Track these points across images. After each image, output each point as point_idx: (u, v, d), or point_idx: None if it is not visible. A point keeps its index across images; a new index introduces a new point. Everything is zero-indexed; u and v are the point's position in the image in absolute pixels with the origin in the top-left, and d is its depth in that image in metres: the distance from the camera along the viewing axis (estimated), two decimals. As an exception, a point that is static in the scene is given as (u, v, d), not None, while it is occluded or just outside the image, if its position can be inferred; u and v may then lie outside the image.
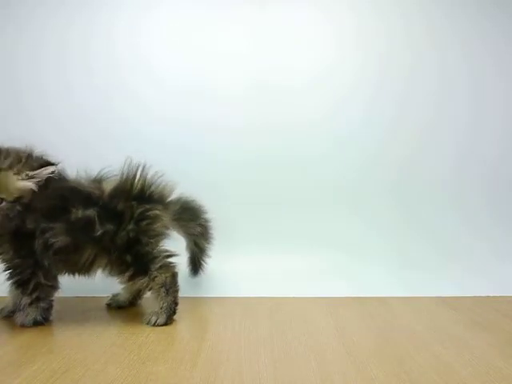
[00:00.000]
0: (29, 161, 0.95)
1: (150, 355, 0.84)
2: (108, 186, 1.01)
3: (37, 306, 0.99)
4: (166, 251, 1.06)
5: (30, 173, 0.93)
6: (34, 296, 0.98)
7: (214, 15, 1.36)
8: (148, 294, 1.07)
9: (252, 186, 1.37)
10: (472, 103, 1.40)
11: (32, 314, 0.98)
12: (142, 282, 1.01)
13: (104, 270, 1.04)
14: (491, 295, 1.24)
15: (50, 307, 1.01)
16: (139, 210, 1.00)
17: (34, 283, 0.98)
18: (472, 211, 1.41)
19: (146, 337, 0.93)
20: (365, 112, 1.39)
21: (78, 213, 0.97)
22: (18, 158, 0.94)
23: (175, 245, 1.10)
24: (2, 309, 1.06)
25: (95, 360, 0.82)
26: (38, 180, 0.94)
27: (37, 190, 0.94)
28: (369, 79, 1.39)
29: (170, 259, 1.05)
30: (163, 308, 1.01)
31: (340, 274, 1.30)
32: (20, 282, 0.98)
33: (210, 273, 1.24)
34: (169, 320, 1.01)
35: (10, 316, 1.03)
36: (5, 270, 0.99)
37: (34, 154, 0.97)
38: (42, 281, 0.98)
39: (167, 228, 1.07)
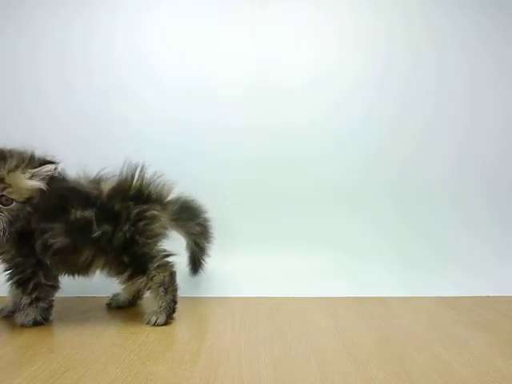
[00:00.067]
0: (31, 161, 0.95)
1: (150, 355, 0.84)
2: (106, 187, 1.01)
3: (37, 306, 0.99)
4: (164, 251, 1.06)
5: (31, 171, 0.93)
6: (33, 296, 0.98)
7: (214, 15, 1.36)
8: (148, 294, 1.07)
9: (252, 186, 1.37)
10: (472, 103, 1.40)
11: (32, 313, 0.98)
12: (140, 281, 1.01)
13: (102, 270, 1.04)
14: (491, 295, 1.24)
15: (49, 307, 1.01)
16: (136, 211, 1.00)
17: (34, 283, 0.98)
18: (472, 211, 1.41)
19: (146, 337, 0.93)
20: (365, 112, 1.39)
21: (77, 213, 0.97)
22: (21, 159, 0.94)
23: (175, 244, 1.10)
24: (2, 309, 1.06)
25: (95, 360, 0.82)
26: (40, 178, 0.94)
27: (46, 190, 0.94)
28: (369, 79, 1.39)
29: (168, 258, 1.05)
30: (162, 307, 1.01)
31: (340, 274, 1.30)
32: (20, 282, 0.98)
33: (210, 273, 1.24)
34: (169, 319, 1.01)
35: (10, 316, 1.03)
36: (5, 270, 0.99)
37: (36, 155, 0.97)
38: (42, 281, 0.98)
39: (165, 228, 1.07)
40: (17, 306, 0.99)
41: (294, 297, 1.21)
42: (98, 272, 1.05)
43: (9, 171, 0.91)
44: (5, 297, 1.06)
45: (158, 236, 1.04)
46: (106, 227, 0.98)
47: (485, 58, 1.40)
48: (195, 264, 1.21)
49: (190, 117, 1.36)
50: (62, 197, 0.97)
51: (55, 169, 0.96)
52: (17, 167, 0.93)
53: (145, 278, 1.01)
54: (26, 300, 0.98)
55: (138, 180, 1.04)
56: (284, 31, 1.37)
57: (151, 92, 1.36)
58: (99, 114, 1.35)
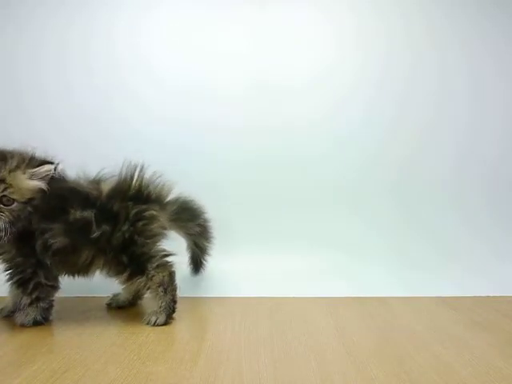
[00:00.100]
0: (32, 161, 0.95)
1: (150, 355, 0.84)
2: (106, 187, 1.01)
3: (37, 306, 0.98)
4: (164, 251, 1.06)
5: (30, 171, 0.93)
6: (33, 296, 0.98)
7: (214, 15, 1.36)
8: (148, 294, 1.06)
9: (252, 186, 1.37)
10: (472, 103, 1.40)
11: (32, 313, 0.98)
12: (139, 281, 1.01)
13: (102, 270, 1.04)
14: (491, 295, 1.24)
15: (49, 307, 1.01)
16: (134, 211, 1.00)
17: (35, 283, 0.98)
18: (472, 211, 1.41)
19: (146, 337, 0.93)
20: (365, 112, 1.39)
21: (76, 214, 0.97)
22: (21, 159, 0.94)
23: (174, 244, 1.10)
24: (2, 309, 1.06)
25: (95, 360, 0.82)
26: (39, 178, 0.94)
27: (47, 190, 0.95)
28: (369, 79, 1.39)
29: (167, 258, 1.05)
30: (162, 307, 1.01)
31: (340, 274, 1.30)
32: (21, 282, 0.98)
33: (210, 273, 1.24)
34: (169, 319, 1.01)
35: (10, 316, 1.03)
36: (6, 270, 0.99)
37: (36, 155, 0.97)
38: (43, 281, 0.98)
39: (164, 228, 1.07)
40: (17, 306, 0.99)
41: (294, 297, 1.21)
42: (97, 272, 1.05)
43: (10, 171, 0.92)
44: (5, 297, 1.06)
45: (156, 236, 1.04)
46: (106, 227, 0.98)
47: (485, 58, 1.40)
48: (196, 264, 1.21)
49: (190, 117, 1.36)
50: (61, 197, 0.97)
51: (54, 169, 0.96)
52: (17, 167, 0.93)
53: (144, 278, 1.01)
54: (26, 300, 0.98)
55: (137, 180, 1.04)
56: (284, 31, 1.37)
57: (151, 92, 1.36)
58: (99, 114, 1.35)
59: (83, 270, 1.02)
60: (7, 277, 0.99)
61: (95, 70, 1.35)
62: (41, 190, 0.95)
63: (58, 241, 0.96)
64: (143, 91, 1.36)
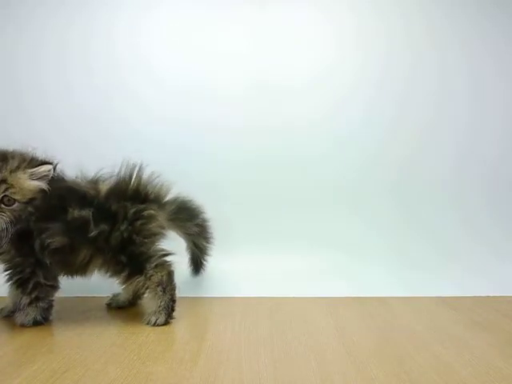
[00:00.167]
0: (32, 161, 0.95)
1: (150, 355, 0.84)
2: (104, 187, 1.02)
3: (36, 306, 0.98)
4: (162, 250, 1.06)
5: (29, 171, 0.93)
6: (33, 296, 0.98)
7: (214, 15, 1.36)
8: (147, 294, 1.06)
9: (252, 186, 1.37)
10: (472, 103, 1.40)
11: (32, 313, 0.98)
12: (138, 281, 1.01)
13: (100, 270, 1.04)
14: (491, 295, 1.24)
15: (49, 307, 1.01)
16: (133, 210, 1.00)
17: (34, 283, 0.98)
18: (472, 211, 1.41)
19: (146, 337, 0.93)
20: (365, 112, 1.39)
21: (74, 213, 0.97)
22: (22, 159, 0.94)
23: (173, 244, 1.10)
24: (2, 309, 1.06)
25: (95, 360, 0.82)
26: (37, 178, 0.94)
27: (48, 191, 0.95)
28: (369, 79, 1.39)
29: (166, 258, 1.05)
30: (161, 307, 1.01)
31: (340, 274, 1.30)
32: (20, 282, 0.98)
33: (210, 273, 1.24)
34: (168, 319, 1.01)
35: (10, 316, 1.03)
36: (5, 270, 0.99)
37: (36, 155, 0.98)
38: (42, 280, 0.98)
39: (163, 228, 1.07)
40: (17, 306, 0.99)
41: (294, 297, 1.21)
42: (95, 272, 1.05)
43: (11, 172, 0.92)
44: (5, 297, 1.06)
45: (155, 235, 1.04)
46: (104, 227, 0.98)
47: (485, 58, 1.40)
48: (197, 265, 1.21)
49: (190, 117, 1.36)
50: (59, 196, 0.97)
51: (54, 169, 0.97)
52: (18, 168, 0.93)
53: (143, 278, 1.01)
54: (25, 300, 0.98)
55: (135, 180, 1.04)
56: (284, 31, 1.37)
57: (151, 92, 1.36)
58: (99, 114, 1.35)
59: (81, 269, 1.02)
60: (7, 277, 0.99)
61: (95, 70, 1.35)
62: (41, 190, 0.95)
63: (56, 240, 0.96)
64: (143, 91, 1.36)
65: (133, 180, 1.04)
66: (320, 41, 1.38)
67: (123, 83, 1.35)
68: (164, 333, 0.96)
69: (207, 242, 1.20)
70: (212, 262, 1.23)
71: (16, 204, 0.92)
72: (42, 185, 0.95)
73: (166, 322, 1.00)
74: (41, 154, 0.98)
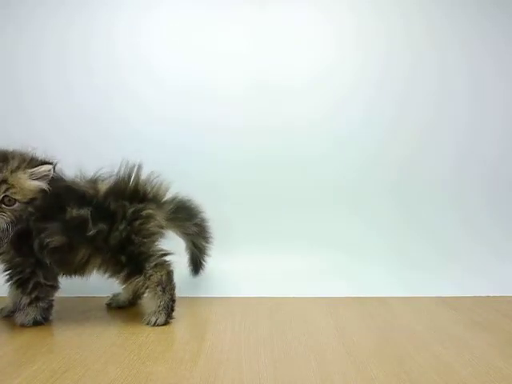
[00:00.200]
0: (32, 162, 0.95)
1: (150, 355, 0.84)
2: (103, 186, 1.02)
3: (36, 306, 0.99)
4: (161, 250, 1.06)
5: (29, 171, 0.93)
6: (33, 296, 0.98)
7: (214, 15, 1.36)
8: (146, 294, 1.06)
9: (252, 186, 1.37)
10: (472, 103, 1.40)
11: (32, 313, 0.98)
12: (137, 281, 1.01)
13: (99, 270, 1.04)
14: (491, 295, 1.24)
15: (49, 307, 1.01)
16: (131, 210, 1.01)
17: (34, 283, 0.98)
18: (472, 211, 1.41)
19: (146, 337, 0.93)
20: (365, 112, 1.39)
21: (73, 212, 0.97)
22: (22, 159, 0.94)
23: (172, 243, 1.10)
24: (2, 309, 1.06)
25: (95, 360, 0.82)
26: (37, 178, 0.94)
27: (48, 191, 0.95)
28: (369, 79, 1.39)
29: (165, 257, 1.05)
30: (161, 307, 1.01)
31: (340, 274, 1.30)
32: (20, 282, 0.98)
33: (210, 273, 1.24)
34: (168, 319, 1.01)
35: (10, 316, 1.03)
36: (5, 271, 0.99)
37: (36, 155, 0.98)
38: (42, 280, 0.98)
39: (161, 227, 1.06)
40: (17, 306, 0.99)
41: (294, 297, 1.21)
42: (94, 272, 1.04)
43: (11, 172, 0.92)
44: (5, 297, 1.06)
45: (154, 235, 1.04)
46: (102, 226, 0.98)
47: (485, 58, 1.40)
48: (196, 265, 1.21)
49: (190, 117, 1.36)
50: (58, 196, 0.97)
51: (53, 169, 0.96)
52: (18, 168, 0.93)
53: (142, 278, 1.01)
54: (25, 300, 0.98)
55: (134, 179, 1.04)
56: (284, 31, 1.37)
57: (151, 92, 1.36)
58: (99, 114, 1.35)
59: (80, 269, 1.02)
60: (6, 277, 0.99)
61: (95, 70, 1.35)
62: (42, 190, 0.95)
63: (55, 239, 0.96)
64: (143, 91, 1.36)
65: (131, 179, 1.04)
66: (320, 41, 1.38)
67: (123, 83, 1.35)
68: (164, 333, 0.96)
69: (206, 242, 1.20)
70: (212, 262, 1.22)
71: (16, 204, 0.92)
72: (43, 185, 0.95)
73: (166, 322, 1.00)
74: (41, 154, 0.98)
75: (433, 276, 1.30)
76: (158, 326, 0.99)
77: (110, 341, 0.91)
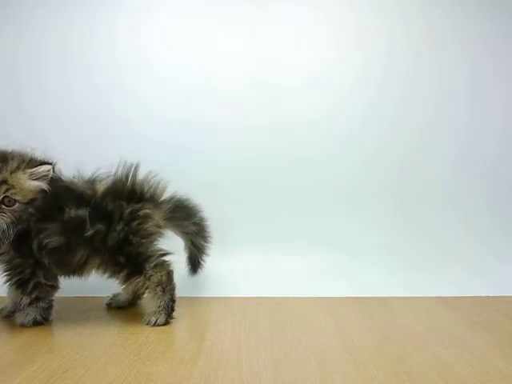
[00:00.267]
0: (32, 162, 0.95)
1: (150, 355, 0.84)
2: (101, 186, 1.02)
3: (36, 306, 0.99)
4: (161, 250, 1.06)
5: (28, 171, 0.93)
6: (33, 296, 0.98)
7: (214, 15, 1.36)
8: (146, 294, 1.06)
9: (252, 186, 1.37)
10: (472, 103, 1.40)
11: (32, 313, 0.98)
12: (137, 281, 1.01)
13: (98, 270, 1.04)
14: (491, 295, 1.24)
15: (49, 307, 1.01)
16: (129, 210, 1.00)
17: (34, 283, 0.98)
18: (472, 211, 1.41)
19: (146, 337, 0.93)
20: (365, 112, 1.39)
21: (71, 212, 0.97)
22: (22, 160, 0.94)
23: (171, 243, 1.10)
24: (2, 309, 1.06)
25: (95, 360, 0.82)
26: (37, 178, 0.94)
27: (48, 191, 0.95)
28: (369, 79, 1.39)
29: (165, 257, 1.05)
30: (161, 307, 1.01)
31: (340, 274, 1.30)
32: (20, 283, 0.98)
33: (210, 273, 1.24)
34: (168, 319, 1.01)
35: (9, 316, 1.03)
36: (5, 271, 0.99)
37: (35, 156, 0.97)
38: (42, 280, 0.98)
39: (159, 227, 1.06)
40: (17, 306, 0.99)
41: (294, 297, 1.21)
42: (93, 272, 1.04)
43: (11, 172, 0.92)
44: (5, 297, 1.06)
45: (152, 235, 1.04)
46: (100, 226, 0.98)
47: (485, 58, 1.40)
48: (194, 264, 1.21)
49: (190, 117, 1.36)
50: (56, 196, 0.97)
51: (53, 169, 0.96)
52: (18, 168, 0.93)
53: (142, 278, 1.01)
54: (25, 300, 0.98)
55: (131, 179, 1.04)
56: (284, 31, 1.37)
57: (151, 92, 1.36)
58: (99, 114, 1.35)
59: (78, 269, 1.02)
60: (6, 278, 0.99)
61: (95, 70, 1.35)
62: (42, 191, 0.95)
63: (54, 240, 0.96)
64: (143, 91, 1.36)
65: (129, 180, 1.04)
66: (320, 41, 1.38)
67: (123, 83, 1.35)
68: (164, 333, 0.96)
69: (205, 241, 1.20)
70: (212, 262, 1.22)
71: (16, 205, 0.92)
72: (42, 185, 0.95)
73: (166, 322, 1.00)
74: (40, 154, 0.98)
75: (433, 276, 1.30)
76: (158, 326, 0.99)
77: (110, 341, 0.91)
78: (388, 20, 1.38)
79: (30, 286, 0.97)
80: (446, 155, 1.41)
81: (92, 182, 1.02)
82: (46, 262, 0.97)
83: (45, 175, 0.95)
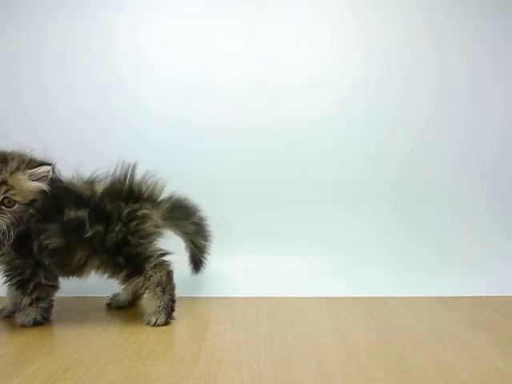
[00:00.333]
0: (31, 162, 0.95)
1: (150, 355, 0.84)
2: (100, 187, 1.02)
3: (37, 306, 0.98)
4: (160, 250, 1.05)
5: (28, 171, 0.93)
6: (34, 296, 0.98)
7: (214, 15, 1.36)
8: (146, 294, 1.06)
9: (252, 186, 1.37)
10: (472, 103, 1.40)
11: (32, 313, 0.98)
12: (137, 282, 1.01)
13: (97, 271, 1.04)
14: (491, 295, 1.24)
15: (50, 307, 1.01)
16: (127, 210, 1.00)
17: (35, 283, 0.98)
18: (472, 211, 1.41)
19: (146, 337, 0.93)
20: (365, 112, 1.39)
21: (71, 213, 0.97)
22: (21, 160, 0.94)
23: (171, 243, 1.10)
24: (2, 309, 1.06)
25: (95, 360, 0.82)
26: (36, 179, 0.94)
27: (47, 191, 0.94)
28: (369, 79, 1.39)
29: (164, 258, 1.05)
30: (161, 307, 1.01)
31: (340, 274, 1.30)
32: (20, 283, 0.98)
33: (210, 273, 1.24)
34: (168, 319, 1.01)
35: (10, 316, 1.03)
36: (5, 272, 0.99)
37: (35, 156, 0.97)
38: (43, 281, 0.98)
39: (158, 227, 1.06)
40: (17, 307, 0.99)
41: (294, 297, 1.21)
42: (92, 273, 1.04)
43: (11, 173, 0.91)
44: (5, 297, 1.06)
45: (151, 235, 1.04)
46: (99, 227, 0.98)
47: (485, 58, 1.40)
48: (196, 263, 1.21)
49: (190, 117, 1.36)
50: (56, 197, 0.97)
51: (52, 170, 0.96)
52: (18, 169, 0.93)
53: (142, 278, 1.01)
54: (26, 300, 0.98)
55: (129, 179, 1.04)
56: (284, 31, 1.37)
57: (151, 92, 1.36)
58: (99, 114, 1.35)
59: (77, 270, 1.02)
60: (6, 278, 0.99)
61: (95, 70, 1.35)
62: (42, 191, 0.95)
63: (54, 241, 0.96)
64: (143, 91, 1.36)
65: (127, 180, 1.04)
66: (320, 41, 1.38)
67: (123, 83, 1.35)
68: (164, 333, 0.96)
69: (205, 241, 1.19)
70: (212, 262, 1.22)
71: (16, 205, 0.92)
72: (42, 186, 0.95)
73: (166, 322, 1.00)
74: (40, 155, 0.98)
75: (433, 276, 1.30)
76: (158, 326, 0.99)
77: (110, 341, 0.91)
78: (388, 20, 1.38)
79: (31, 286, 0.97)
80: (446, 155, 1.41)
81: (91, 183, 1.02)
82: (47, 262, 0.97)
83: (45, 176, 0.95)
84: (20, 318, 0.98)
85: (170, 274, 1.03)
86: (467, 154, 1.41)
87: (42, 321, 0.99)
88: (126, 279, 1.02)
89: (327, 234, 1.38)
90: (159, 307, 1.01)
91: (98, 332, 0.96)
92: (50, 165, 0.96)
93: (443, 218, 1.40)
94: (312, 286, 1.26)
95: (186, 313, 1.09)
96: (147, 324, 1.00)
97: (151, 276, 1.01)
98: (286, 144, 1.38)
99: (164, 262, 1.04)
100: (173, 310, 1.02)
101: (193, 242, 1.18)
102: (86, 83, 1.35)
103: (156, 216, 1.05)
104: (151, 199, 1.05)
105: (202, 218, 1.18)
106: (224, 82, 1.37)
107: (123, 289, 1.12)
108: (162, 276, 1.01)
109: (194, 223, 1.16)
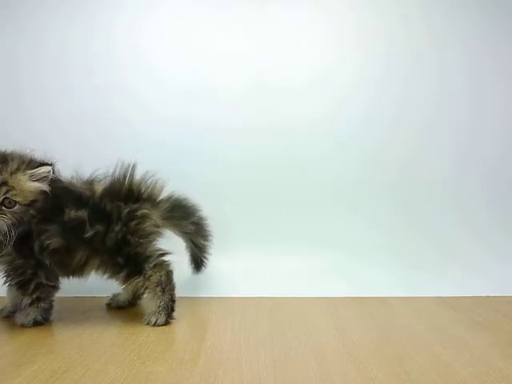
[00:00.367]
0: (31, 163, 0.95)
1: (150, 355, 0.84)
2: (99, 187, 1.02)
3: (37, 306, 0.98)
4: (160, 250, 1.06)
5: (28, 172, 0.93)
6: (34, 296, 0.98)
7: (214, 15, 1.36)
8: (146, 294, 1.06)
9: (252, 186, 1.37)
10: (472, 103, 1.40)
11: (32, 314, 0.98)
12: (137, 282, 1.01)
13: (97, 271, 1.04)
14: (491, 295, 1.24)
15: (50, 307, 1.01)
16: (126, 210, 1.00)
17: (35, 283, 0.97)
18: (472, 211, 1.41)
19: (146, 337, 0.93)
20: (365, 112, 1.39)
21: (71, 213, 0.97)
22: (21, 161, 0.94)
23: (171, 243, 1.10)
24: (2, 309, 1.06)
25: (95, 360, 0.82)
26: (37, 179, 0.94)
27: (48, 192, 0.94)
28: (369, 79, 1.39)
29: (164, 257, 1.05)
30: (161, 307, 1.01)
31: (340, 274, 1.30)
32: (21, 284, 0.98)
33: (210, 273, 1.24)
34: (168, 319, 1.01)
35: (9, 316, 1.03)
36: (5, 272, 0.98)
37: (35, 157, 0.97)
38: (43, 281, 0.98)
39: (157, 227, 1.06)
40: (17, 307, 0.99)
41: (294, 297, 1.21)
42: (92, 273, 1.04)
43: (11, 174, 0.91)
44: (5, 297, 1.06)
45: (151, 235, 1.04)
46: (99, 227, 0.98)
47: (485, 58, 1.40)
48: (197, 263, 1.21)
49: (190, 117, 1.36)
50: (56, 197, 0.97)
51: (53, 170, 0.96)
52: (18, 169, 0.92)
53: (141, 278, 1.01)
54: (26, 300, 0.98)
55: (128, 179, 1.04)
56: (284, 31, 1.37)
57: (151, 92, 1.36)
58: (99, 114, 1.35)
59: (77, 270, 1.02)
60: (7, 278, 0.99)
61: (95, 70, 1.35)
62: (42, 192, 0.95)
63: (54, 241, 0.96)
64: (143, 91, 1.36)
65: (126, 180, 1.04)
66: (320, 41, 1.38)
67: (123, 83, 1.35)
68: (164, 333, 0.96)
69: (205, 240, 1.20)
70: (212, 262, 1.22)
71: (17, 206, 0.92)
72: (43, 186, 0.94)
73: (166, 323, 1.00)
74: (40, 155, 0.98)
75: (433, 276, 1.30)
76: (158, 326, 0.99)
77: (110, 341, 0.91)
78: (388, 20, 1.38)
79: (32, 286, 0.97)
80: (446, 155, 1.41)
81: (90, 183, 1.02)
82: (48, 262, 0.97)
83: (45, 176, 0.95)
84: (20, 318, 0.98)
85: (169, 273, 1.03)
86: (467, 153, 1.41)
87: (42, 321, 0.99)
88: (126, 279, 1.02)
89: (327, 234, 1.37)
90: (159, 307, 1.01)
91: (98, 332, 0.96)
92: (50, 165, 0.96)
93: (443, 217, 1.40)
94: (312, 285, 1.26)
95: (186, 313, 1.09)
96: (147, 324, 1.00)
97: (151, 276, 1.01)
98: (286, 144, 1.38)
99: (164, 261, 1.04)
100: (173, 310, 1.02)
101: (193, 242, 1.18)
102: (86, 83, 1.35)
103: (155, 216, 1.05)
104: (151, 199, 1.05)
105: (201, 218, 1.18)
106: (224, 82, 1.37)
107: (123, 289, 1.12)
108: (161, 276, 1.01)
109: (193, 223, 1.16)
